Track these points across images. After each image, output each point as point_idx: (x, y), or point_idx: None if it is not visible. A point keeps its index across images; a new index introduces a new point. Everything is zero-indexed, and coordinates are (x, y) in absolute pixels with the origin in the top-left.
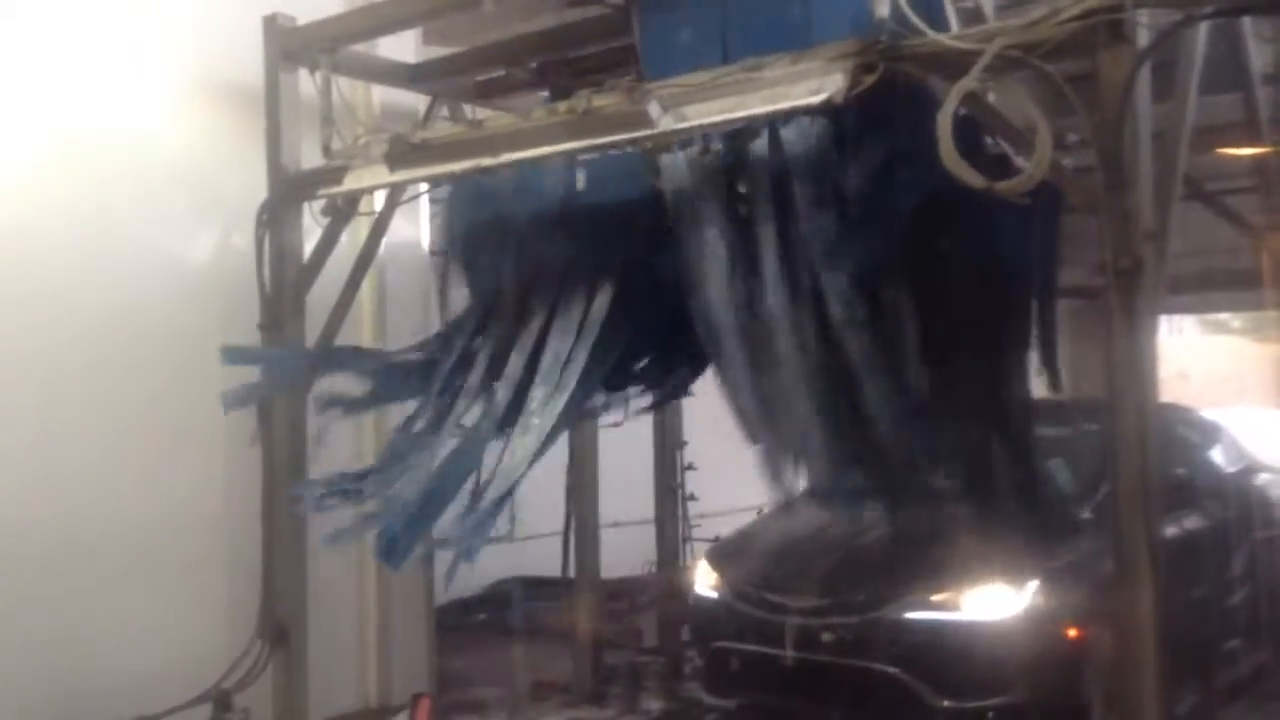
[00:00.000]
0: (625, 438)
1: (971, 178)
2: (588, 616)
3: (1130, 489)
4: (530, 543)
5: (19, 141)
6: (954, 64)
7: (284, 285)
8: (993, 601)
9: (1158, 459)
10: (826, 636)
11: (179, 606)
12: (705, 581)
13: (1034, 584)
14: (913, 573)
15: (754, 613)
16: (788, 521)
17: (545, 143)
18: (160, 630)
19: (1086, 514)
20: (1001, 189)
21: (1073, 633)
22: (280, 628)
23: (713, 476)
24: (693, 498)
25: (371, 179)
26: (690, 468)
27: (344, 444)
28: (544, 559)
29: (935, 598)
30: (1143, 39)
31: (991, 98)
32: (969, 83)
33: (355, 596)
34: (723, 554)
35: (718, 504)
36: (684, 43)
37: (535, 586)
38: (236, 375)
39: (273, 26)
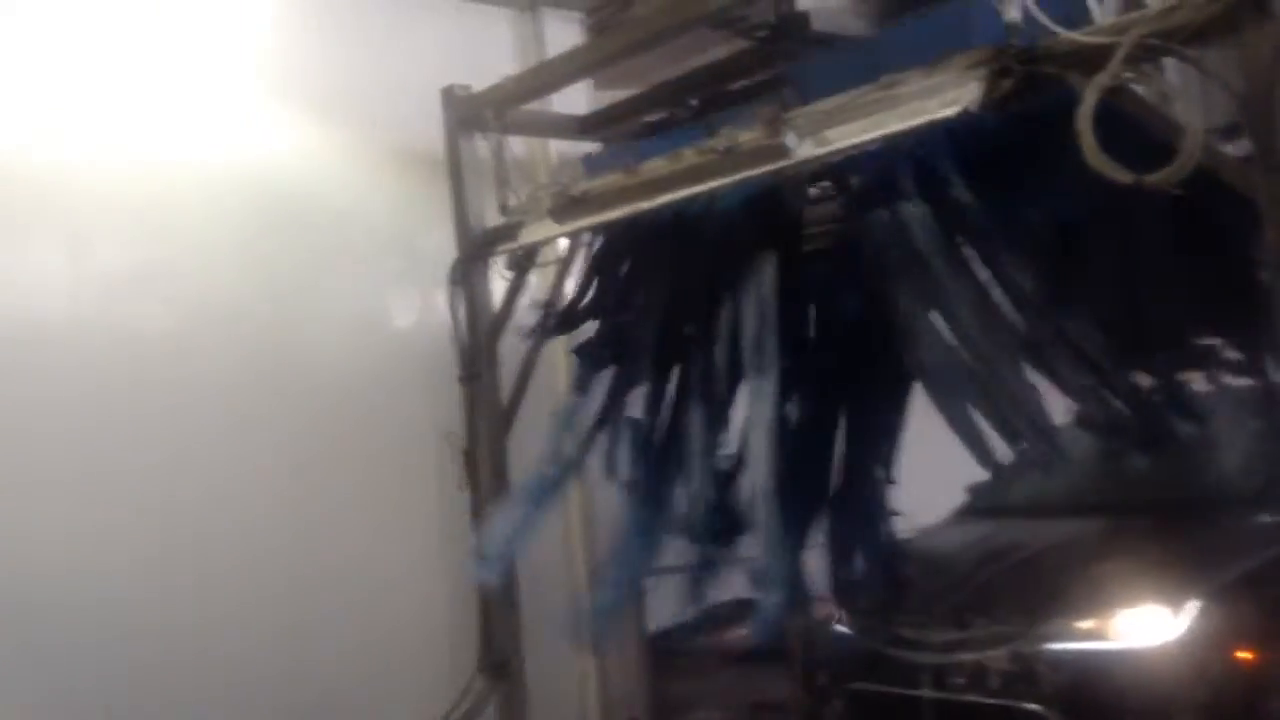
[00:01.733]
0: None
1: (1118, 173)
2: (802, 636)
3: None
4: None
5: (228, 221)
6: (1092, 60)
7: (478, 338)
8: (1146, 626)
9: None
10: (962, 675)
11: (401, 646)
12: (840, 617)
13: (1194, 603)
14: (1056, 597)
15: (889, 650)
16: (925, 548)
17: (695, 182)
18: (386, 665)
19: (1263, 515)
20: (1152, 182)
21: (1245, 655)
22: (499, 661)
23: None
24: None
25: (543, 232)
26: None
27: None
28: None
29: (1081, 625)
30: None
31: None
32: (1105, 78)
33: (572, 621)
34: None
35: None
36: None
37: (749, 608)
38: (442, 423)
39: (450, 97)
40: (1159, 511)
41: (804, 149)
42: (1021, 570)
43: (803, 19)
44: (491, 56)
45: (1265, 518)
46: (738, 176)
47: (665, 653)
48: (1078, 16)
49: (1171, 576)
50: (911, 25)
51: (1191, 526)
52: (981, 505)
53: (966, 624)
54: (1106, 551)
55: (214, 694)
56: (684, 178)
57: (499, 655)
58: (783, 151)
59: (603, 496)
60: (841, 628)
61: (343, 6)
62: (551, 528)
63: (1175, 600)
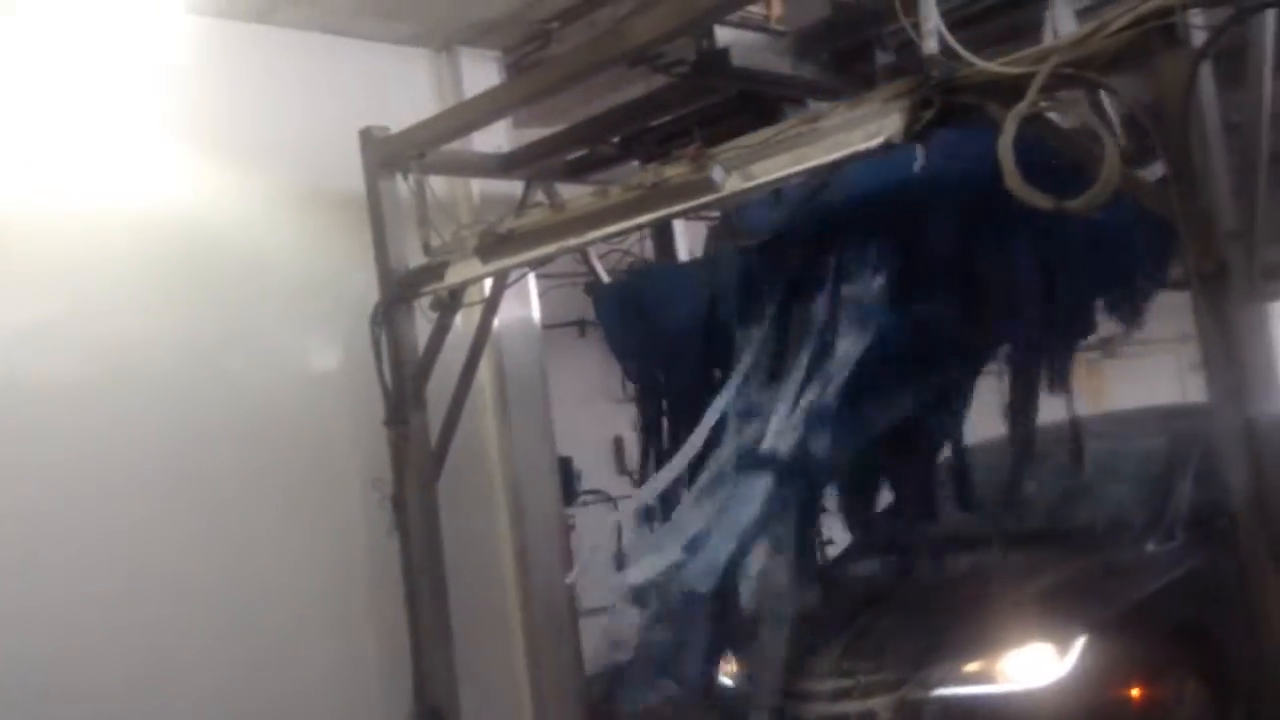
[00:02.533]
0: None
1: (1039, 200)
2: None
3: (1249, 505)
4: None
5: (141, 268)
6: (1011, 89)
7: (404, 381)
8: (1033, 666)
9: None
10: None
11: (333, 694)
12: (726, 669)
13: (1081, 640)
14: (940, 640)
15: (774, 703)
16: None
17: (623, 218)
18: (315, 714)
19: (1150, 545)
20: (1072, 208)
21: (1135, 692)
22: (434, 711)
23: None
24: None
25: (468, 272)
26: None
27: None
28: None
29: (968, 668)
30: (1199, 38)
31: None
32: (1025, 107)
33: (506, 670)
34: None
35: None
36: None
37: None
38: (369, 468)
39: (369, 138)
40: (1046, 544)
41: (731, 183)
42: (908, 611)
43: (722, 55)
44: (409, 97)
45: (1152, 548)
46: (665, 212)
47: (602, 698)
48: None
49: (1059, 613)
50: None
51: (1079, 559)
52: (866, 543)
53: (853, 671)
54: (994, 588)
55: None
56: (612, 214)
57: (433, 701)
58: (710, 186)
59: (535, 532)
60: (726, 680)
61: (256, 51)
62: (484, 569)
63: (1062, 638)
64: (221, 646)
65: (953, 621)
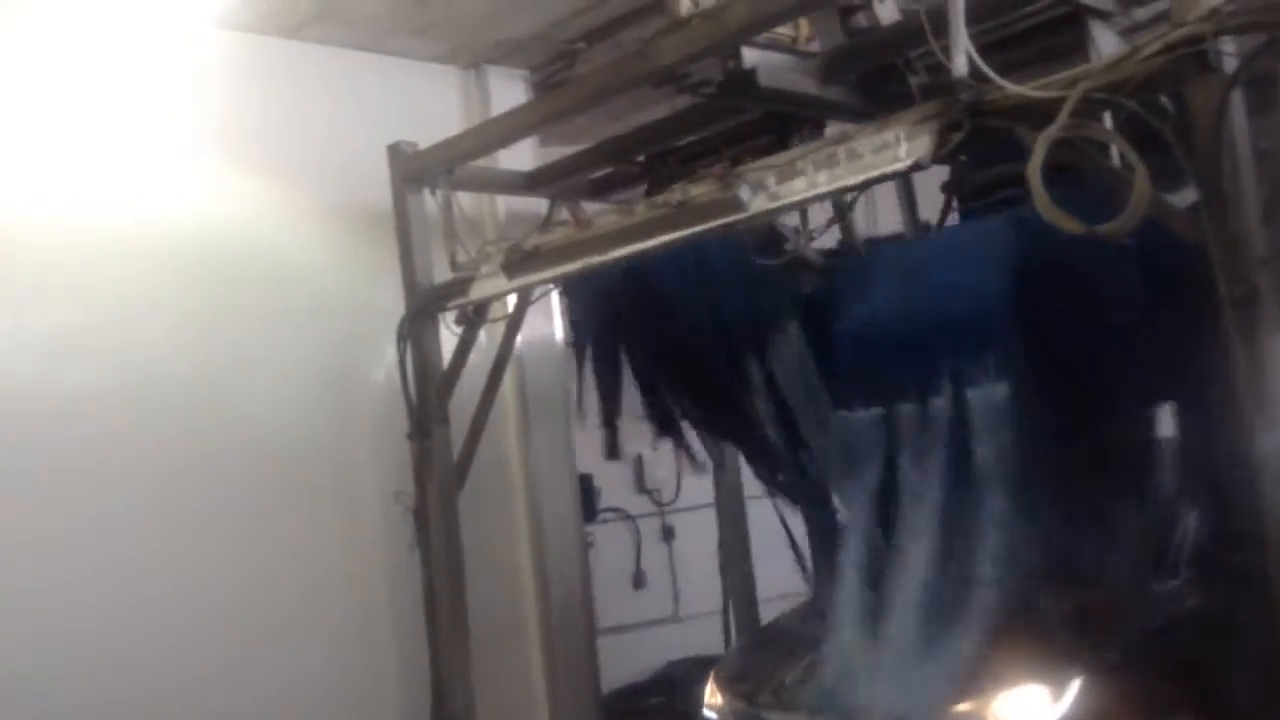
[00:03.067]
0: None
1: (1069, 224)
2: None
3: (1277, 540)
4: (694, 622)
5: (166, 281)
6: (1040, 113)
7: (428, 395)
8: (1026, 708)
9: None
10: None
11: (352, 709)
12: (711, 702)
13: (1077, 682)
14: (932, 678)
15: None
16: (801, 624)
17: (648, 236)
18: None
19: (1155, 581)
20: (1102, 232)
21: None
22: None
23: None
24: None
25: (494, 288)
26: None
27: None
28: (708, 638)
29: (959, 708)
30: (1230, 65)
31: None
32: (1055, 131)
33: (524, 687)
34: (731, 666)
35: None
36: None
37: (705, 667)
38: (391, 482)
39: (397, 154)
40: (1047, 579)
41: (757, 203)
42: (902, 642)
43: (749, 76)
44: (437, 114)
45: (1155, 586)
46: (691, 230)
47: (620, 713)
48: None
49: (1055, 653)
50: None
51: (1079, 594)
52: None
53: (837, 708)
54: (989, 622)
55: None
56: (637, 232)
57: (450, 715)
58: (737, 205)
59: (554, 548)
60: (711, 713)
61: (285, 66)
62: (503, 584)
63: (1057, 680)
64: (239, 656)
65: (945, 657)
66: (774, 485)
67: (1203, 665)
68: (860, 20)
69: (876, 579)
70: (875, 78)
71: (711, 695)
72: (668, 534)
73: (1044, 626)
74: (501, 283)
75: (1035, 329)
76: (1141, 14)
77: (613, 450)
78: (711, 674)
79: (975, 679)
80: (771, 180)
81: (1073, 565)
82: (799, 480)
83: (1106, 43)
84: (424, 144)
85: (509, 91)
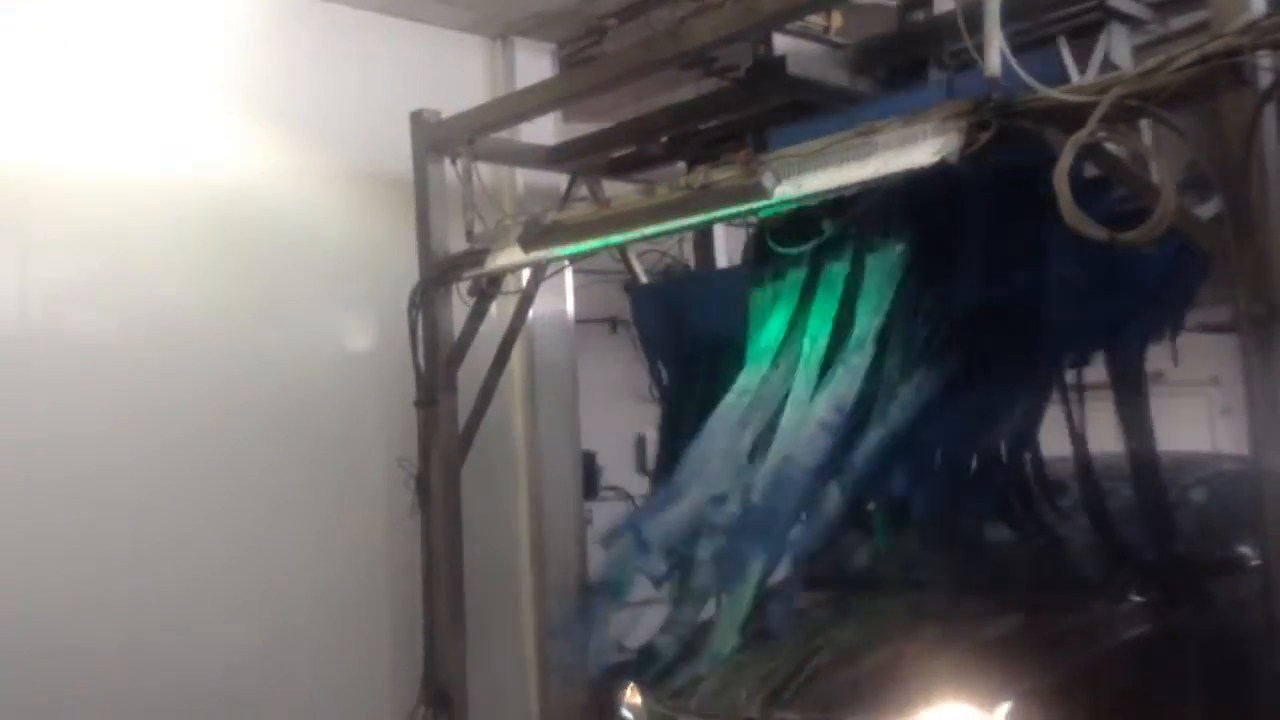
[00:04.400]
0: None
1: (1093, 231)
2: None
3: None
4: None
5: (184, 234)
6: (1070, 117)
7: (436, 363)
8: None
9: None
10: None
11: (344, 671)
12: (630, 701)
13: (1007, 706)
14: (855, 690)
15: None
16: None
17: (668, 218)
18: (325, 693)
19: (1104, 603)
20: (1125, 241)
21: None
22: (442, 694)
23: None
24: None
25: (509, 260)
26: None
27: None
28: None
29: None
30: (1265, 80)
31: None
32: (1084, 135)
33: (517, 661)
34: (653, 666)
35: None
36: None
37: None
38: (396, 448)
39: (419, 121)
40: (993, 595)
41: (780, 190)
42: (836, 651)
43: (779, 63)
44: (461, 83)
45: (1103, 607)
46: (711, 215)
47: (608, 690)
48: (1052, 76)
49: (989, 673)
50: (896, 100)
51: (1025, 613)
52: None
53: (761, 717)
54: (928, 637)
55: (148, 716)
56: (657, 213)
57: (442, 685)
58: (760, 191)
59: (554, 524)
60: (628, 713)
61: (314, 26)
62: (501, 556)
63: (987, 702)
64: (232, 609)
65: (877, 669)
66: None
67: (1145, 696)
68: (919, 16)
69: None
70: (905, 73)
71: (631, 695)
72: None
73: (981, 645)
74: (517, 255)
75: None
76: (1178, 22)
77: None
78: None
79: (902, 693)
80: (797, 169)
81: (1015, 580)
82: None
83: (1121, 52)
84: (447, 113)
85: (535, 64)
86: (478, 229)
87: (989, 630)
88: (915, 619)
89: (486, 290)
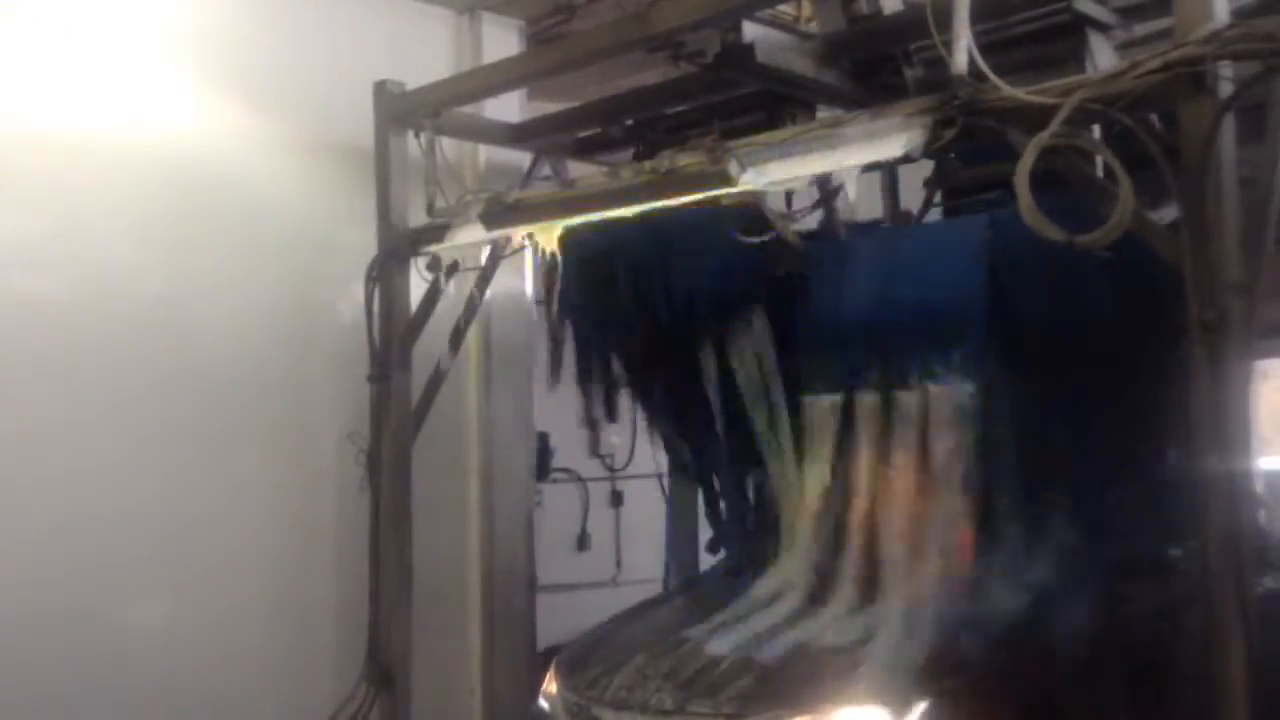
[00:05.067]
0: None
1: (1051, 232)
2: None
3: (1222, 564)
4: (630, 589)
5: (136, 198)
6: (1034, 118)
7: (391, 339)
8: None
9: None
10: None
11: (286, 646)
12: (546, 690)
13: (921, 707)
14: (770, 686)
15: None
16: (648, 618)
17: (632, 201)
18: (266, 669)
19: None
20: (1082, 243)
21: None
22: (386, 671)
23: None
24: None
25: (469, 236)
26: None
27: None
28: None
29: None
30: (1226, 89)
31: None
32: (1047, 137)
33: (459, 637)
34: (574, 656)
35: None
36: None
37: None
38: (347, 423)
39: (382, 92)
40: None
41: (745, 179)
42: (756, 641)
43: (748, 51)
44: (427, 56)
45: (1039, 607)
46: (675, 200)
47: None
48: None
49: (906, 672)
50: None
51: (954, 611)
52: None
53: (667, 710)
54: (847, 634)
55: (86, 688)
56: (621, 195)
57: (385, 663)
58: (725, 178)
59: (504, 504)
60: (544, 702)
61: None
62: (449, 535)
63: (899, 702)
64: (177, 578)
65: (794, 665)
66: (680, 466)
67: (1073, 700)
68: (861, 6)
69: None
70: (871, 66)
71: (549, 683)
72: (616, 499)
73: (899, 645)
74: (478, 232)
75: (1005, 330)
76: (1141, 29)
77: (611, 412)
78: (554, 661)
79: (817, 690)
80: (762, 158)
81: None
82: (724, 463)
83: (1104, 56)
84: (411, 86)
85: (502, 41)
86: (439, 204)
87: (911, 627)
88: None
89: (445, 267)
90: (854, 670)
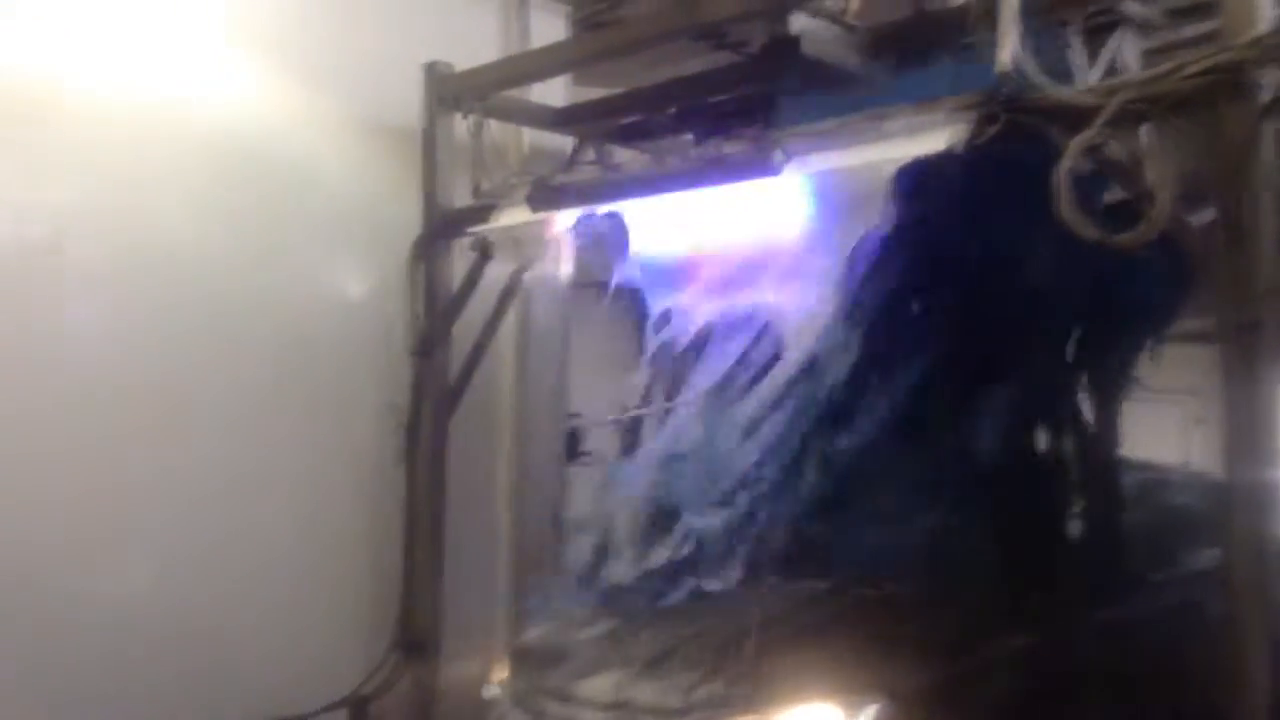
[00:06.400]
0: None
1: (1088, 230)
2: None
3: (1246, 571)
4: None
5: (191, 171)
6: (1076, 118)
7: (434, 315)
8: None
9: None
10: None
11: (319, 612)
12: (497, 678)
13: (873, 709)
14: (718, 681)
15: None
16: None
17: (676, 186)
18: (299, 636)
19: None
20: (1119, 242)
21: None
22: (417, 641)
23: None
24: None
25: (515, 218)
26: None
27: None
28: None
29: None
30: (1266, 94)
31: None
32: (1089, 137)
33: (489, 617)
34: (525, 642)
35: None
36: None
37: None
38: (385, 396)
39: (432, 73)
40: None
41: (789, 168)
42: (718, 638)
43: (793, 43)
44: (474, 39)
45: (1002, 609)
46: (719, 185)
47: None
48: (1061, 74)
49: (862, 671)
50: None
51: (919, 610)
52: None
53: (617, 704)
54: (810, 628)
55: (120, 652)
56: (666, 181)
57: (417, 633)
58: (769, 167)
59: (534, 484)
60: (494, 688)
61: None
62: (480, 510)
63: (852, 703)
64: (216, 551)
65: (754, 658)
66: None
67: (1026, 707)
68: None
69: None
70: (916, 61)
71: (498, 670)
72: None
73: (860, 640)
74: (524, 214)
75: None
76: (1189, 31)
77: None
78: (508, 648)
79: (767, 688)
80: (806, 148)
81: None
82: None
83: (1129, 53)
84: (458, 68)
85: (549, 26)
86: (485, 185)
87: (869, 627)
88: (795, 610)
89: (489, 247)
90: (812, 658)
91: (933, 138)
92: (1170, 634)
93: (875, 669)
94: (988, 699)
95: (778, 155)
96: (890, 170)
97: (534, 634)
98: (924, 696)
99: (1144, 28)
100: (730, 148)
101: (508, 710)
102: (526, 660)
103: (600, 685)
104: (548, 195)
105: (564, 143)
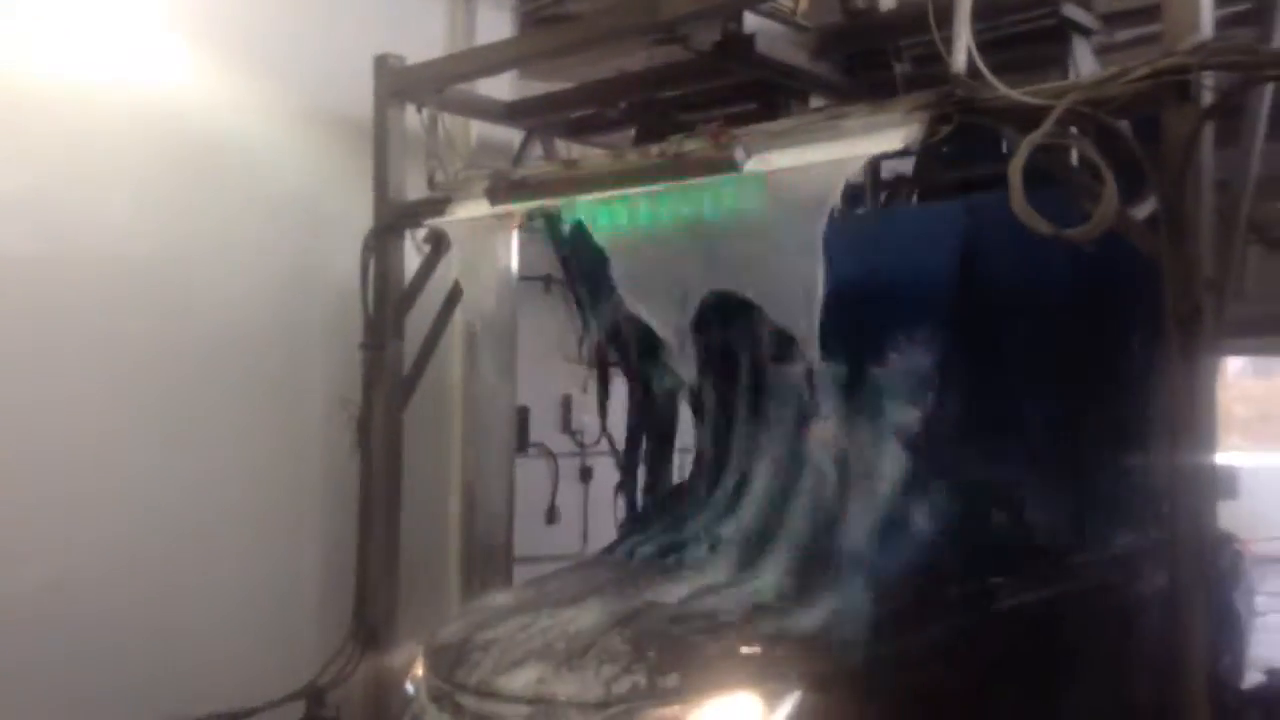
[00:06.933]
0: None
1: (1039, 225)
2: None
3: (1188, 547)
4: None
5: (136, 159)
6: (1026, 117)
7: (385, 308)
8: (733, 718)
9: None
10: None
11: (276, 606)
12: (413, 674)
13: (794, 696)
14: (637, 673)
15: (446, 716)
16: (526, 597)
17: (635, 183)
18: (256, 628)
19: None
20: (1068, 236)
21: None
22: (372, 630)
23: None
24: None
25: (472, 211)
26: None
27: None
28: None
29: (659, 711)
30: (1207, 97)
31: None
32: (1039, 136)
33: (440, 605)
34: (440, 637)
35: None
36: None
37: None
38: (337, 388)
39: (383, 66)
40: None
41: (750, 165)
42: (619, 637)
43: (748, 41)
44: (421, 32)
45: (933, 592)
46: (678, 182)
47: None
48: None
49: (784, 659)
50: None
51: (846, 596)
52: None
53: (536, 696)
54: (735, 617)
55: (77, 648)
56: (624, 177)
57: (371, 623)
58: (731, 165)
59: (485, 474)
60: (410, 686)
61: None
62: (432, 502)
63: (773, 691)
64: (170, 544)
65: (664, 652)
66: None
67: (953, 691)
68: (858, 2)
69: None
70: (863, 61)
71: (415, 666)
72: (585, 475)
73: (782, 628)
74: (482, 207)
75: (971, 310)
76: (1123, 35)
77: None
78: (422, 644)
79: (687, 678)
80: (765, 145)
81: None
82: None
83: (1086, 60)
84: (406, 60)
85: (495, 20)
86: (438, 178)
87: (793, 616)
88: (716, 600)
89: (441, 239)
90: (732, 649)
91: (888, 137)
92: (1096, 615)
93: (797, 656)
94: (908, 686)
95: (739, 153)
96: None
97: (450, 630)
98: (842, 684)
99: (1083, 32)
100: (691, 145)
101: (425, 707)
102: (442, 656)
103: (521, 679)
104: (507, 189)
105: (510, 135)
